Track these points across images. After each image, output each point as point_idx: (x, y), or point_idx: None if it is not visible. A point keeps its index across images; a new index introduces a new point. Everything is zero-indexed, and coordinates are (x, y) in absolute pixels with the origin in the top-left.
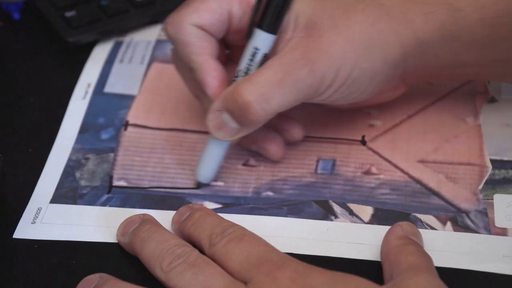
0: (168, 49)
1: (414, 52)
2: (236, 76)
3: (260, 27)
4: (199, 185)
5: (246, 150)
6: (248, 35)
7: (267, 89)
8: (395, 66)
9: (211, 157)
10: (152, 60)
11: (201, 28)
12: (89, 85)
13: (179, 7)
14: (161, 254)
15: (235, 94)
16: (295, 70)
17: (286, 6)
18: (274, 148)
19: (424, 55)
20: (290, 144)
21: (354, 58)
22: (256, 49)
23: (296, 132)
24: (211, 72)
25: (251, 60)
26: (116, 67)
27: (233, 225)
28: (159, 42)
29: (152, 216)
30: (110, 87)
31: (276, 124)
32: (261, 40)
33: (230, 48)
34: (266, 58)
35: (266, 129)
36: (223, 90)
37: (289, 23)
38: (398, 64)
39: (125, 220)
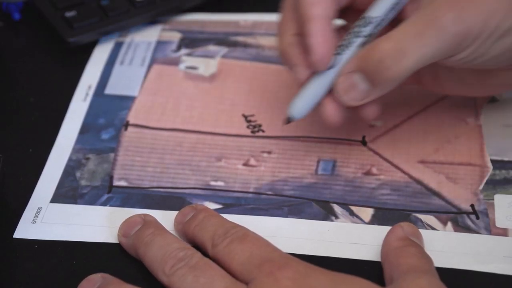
0: (168, 50)
1: None
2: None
3: None
4: (288, 121)
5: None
6: None
7: (405, 42)
8: None
9: (311, 92)
10: (152, 61)
11: None
12: (89, 87)
13: None
14: (163, 258)
15: (371, 51)
16: (439, 17)
17: None
18: (372, 109)
19: None
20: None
21: (501, 13)
22: None
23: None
24: (324, 27)
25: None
26: (117, 69)
27: (235, 226)
28: (159, 43)
29: (154, 217)
30: (111, 89)
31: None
32: None
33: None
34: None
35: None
36: (329, 54)
37: None
38: None
39: (126, 220)
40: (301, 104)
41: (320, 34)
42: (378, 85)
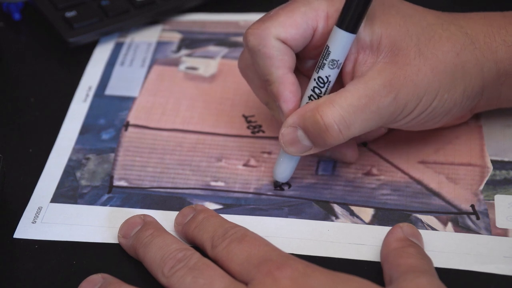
0: (168, 51)
1: (493, 84)
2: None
3: (339, 25)
4: (276, 184)
5: (317, 157)
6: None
7: (349, 113)
8: (473, 98)
9: (288, 159)
10: (152, 62)
11: (284, 42)
12: (90, 88)
13: (263, 18)
14: (162, 259)
15: (317, 115)
16: (380, 97)
17: (366, 7)
18: (350, 151)
19: (501, 86)
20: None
21: (438, 88)
22: (328, 47)
23: (381, 129)
24: (288, 87)
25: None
26: (117, 70)
27: (235, 226)
28: (159, 44)
29: (153, 218)
30: (111, 90)
31: None
32: (337, 38)
33: (303, 61)
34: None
35: None
36: (298, 105)
37: (372, 43)
38: (475, 97)
39: (126, 221)
40: (283, 170)
41: (290, 99)
42: (319, 146)
